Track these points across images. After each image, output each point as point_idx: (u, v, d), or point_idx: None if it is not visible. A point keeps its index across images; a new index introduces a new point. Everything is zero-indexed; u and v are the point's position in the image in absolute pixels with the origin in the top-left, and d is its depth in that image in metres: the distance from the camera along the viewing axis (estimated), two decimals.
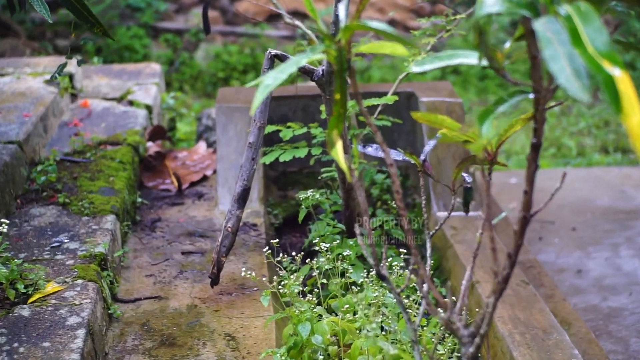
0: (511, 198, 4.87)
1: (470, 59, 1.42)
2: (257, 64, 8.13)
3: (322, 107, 3.01)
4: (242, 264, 3.04)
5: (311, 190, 3.19)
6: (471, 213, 3.53)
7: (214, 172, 3.96)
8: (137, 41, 7.99)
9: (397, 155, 2.15)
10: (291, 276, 2.54)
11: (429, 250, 2.07)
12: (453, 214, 3.54)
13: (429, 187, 3.60)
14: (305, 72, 2.75)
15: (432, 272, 3.26)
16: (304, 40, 3.50)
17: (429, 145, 2.07)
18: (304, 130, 3.22)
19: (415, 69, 1.57)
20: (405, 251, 3.17)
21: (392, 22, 8.77)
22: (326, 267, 2.69)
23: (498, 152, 1.71)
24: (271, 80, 1.55)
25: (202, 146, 4.27)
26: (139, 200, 3.55)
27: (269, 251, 2.58)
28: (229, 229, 2.75)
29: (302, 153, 3.16)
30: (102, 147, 3.71)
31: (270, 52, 2.70)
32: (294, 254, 3.13)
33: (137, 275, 2.95)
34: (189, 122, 5.99)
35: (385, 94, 3.85)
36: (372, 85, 4.10)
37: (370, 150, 2.24)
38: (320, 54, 1.60)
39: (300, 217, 3.02)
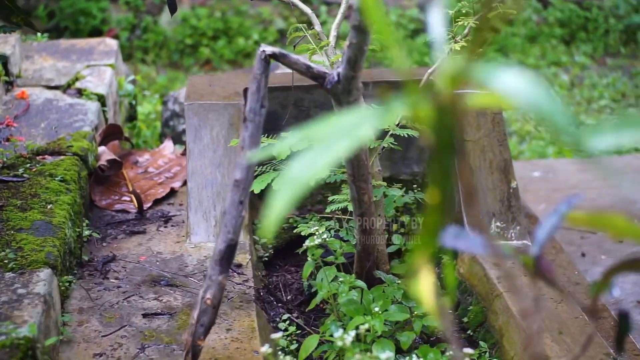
0: (538, 197, 4.12)
1: None
2: (228, 29, 7.27)
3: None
4: (225, 331, 2.25)
5: (314, 223, 2.40)
6: (515, 242, 2.76)
7: (184, 183, 3.15)
8: (94, 4, 7.07)
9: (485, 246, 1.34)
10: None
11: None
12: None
13: (460, 201, 2.81)
14: (313, 77, 1.95)
15: (473, 331, 2.49)
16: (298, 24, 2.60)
17: (547, 226, 1.26)
18: (305, 145, 2.42)
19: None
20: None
21: None
22: (340, 343, 1.91)
23: None
24: (303, 171, 0.79)
25: (168, 147, 3.45)
26: (87, 232, 2.73)
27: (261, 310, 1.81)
28: (208, 302, 1.95)
29: None
30: (41, 158, 2.88)
31: (264, 51, 1.88)
32: (292, 314, 2.37)
33: (81, 356, 2.14)
34: (152, 105, 5.15)
35: (395, 83, 3.06)
36: (384, 72, 3.31)
37: (463, 244, 1.39)
38: (392, 116, 0.82)
39: (305, 273, 2.22)
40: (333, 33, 2.53)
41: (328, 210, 2.40)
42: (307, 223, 2.70)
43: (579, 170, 4.38)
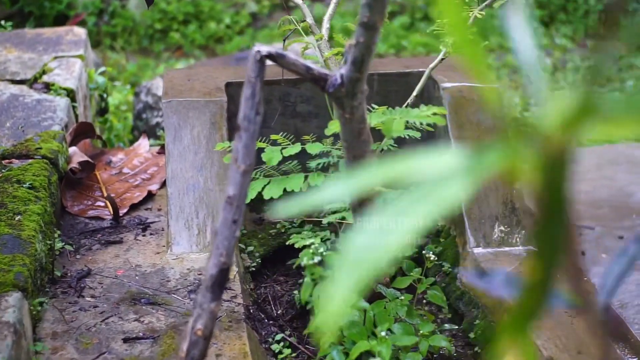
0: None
1: None
2: (199, 13, 7.03)
3: (333, 124, 1.99)
4: (214, 357, 2.05)
5: (307, 233, 2.21)
6: (521, 248, 2.57)
7: (162, 185, 2.94)
8: None
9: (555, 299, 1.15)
10: None
11: None
12: (498, 249, 2.59)
13: (461, 206, 2.62)
14: (313, 80, 1.74)
15: (481, 347, 2.30)
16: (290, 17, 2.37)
17: (614, 273, 1.06)
18: (297, 148, 2.22)
19: None
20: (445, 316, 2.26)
21: None
22: None
23: None
24: (371, 249, 0.58)
25: (143, 145, 3.22)
26: (60, 245, 2.51)
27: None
28: (199, 332, 1.74)
29: (295, 185, 2.18)
30: (7, 162, 2.66)
31: (259, 51, 1.67)
32: (285, 332, 2.18)
33: None
34: (123, 95, 4.91)
35: (397, 75, 2.87)
36: (388, 62, 3.09)
37: (497, 286, 1.20)
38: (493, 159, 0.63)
39: (304, 295, 2.01)
40: (326, 25, 2.32)
41: (325, 222, 2.20)
42: (298, 232, 2.50)
43: None
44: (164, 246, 2.56)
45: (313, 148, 2.21)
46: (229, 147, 2.29)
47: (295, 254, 2.25)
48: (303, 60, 1.72)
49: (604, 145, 4.61)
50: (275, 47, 1.70)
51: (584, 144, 4.75)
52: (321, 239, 2.20)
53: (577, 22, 7.02)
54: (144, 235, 2.64)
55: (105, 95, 3.89)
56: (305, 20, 2.28)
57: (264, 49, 1.67)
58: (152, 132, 4.13)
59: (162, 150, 3.15)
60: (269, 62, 1.71)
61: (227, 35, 6.99)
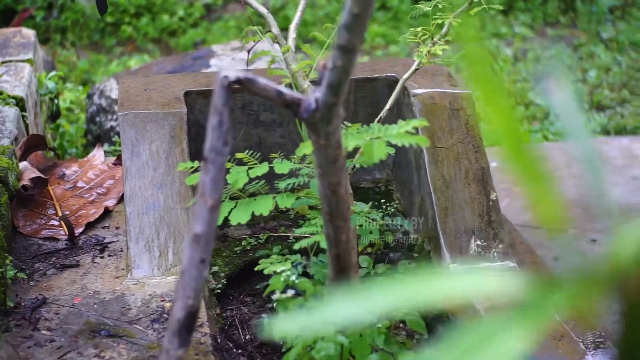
0: (498, 193, 3.85)
1: None
2: (151, 5, 6.84)
3: (304, 146, 1.86)
4: None
5: (279, 259, 2.09)
6: (498, 263, 2.47)
7: (120, 199, 2.79)
8: None
9: None
10: None
11: None
12: (475, 265, 2.48)
13: (434, 216, 2.51)
14: (285, 105, 1.61)
15: None
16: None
17: None
18: (265, 169, 2.09)
19: None
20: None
21: None
22: None
23: None
24: None
25: (98, 155, 3.06)
26: (12, 273, 2.35)
27: None
28: None
29: (265, 208, 2.04)
30: None
31: (226, 77, 1.53)
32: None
33: None
34: (76, 96, 4.73)
35: (364, 80, 2.76)
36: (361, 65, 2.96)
37: None
38: None
39: (278, 334, 1.88)
40: (292, 35, 2.19)
41: (296, 247, 2.06)
42: (265, 251, 2.38)
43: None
44: (123, 269, 2.42)
45: (282, 167, 2.07)
46: (192, 167, 2.15)
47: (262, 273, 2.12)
48: (274, 85, 1.58)
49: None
50: (241, 70, 1.57)
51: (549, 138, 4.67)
52: (292, 262, 2.08)
53: (535, 10, 6.94)
54: (101, 257, 2.49)
55: (56, 101, 3.71)
56: (270, 30, 2.14)
57: (232, 74, 1.53)
58: (107, 136, 3.96)
59: (118, 162, 2.99)
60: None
61: (181, 28, 6.82)
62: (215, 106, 1.54)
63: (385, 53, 6.38)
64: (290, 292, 1.86)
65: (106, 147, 3.77)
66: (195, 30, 6.72)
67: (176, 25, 6.79)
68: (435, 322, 2.30)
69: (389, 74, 2.83)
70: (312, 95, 1.60)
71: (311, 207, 2.19)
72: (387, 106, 2.19)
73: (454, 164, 2.55)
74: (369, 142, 1.88)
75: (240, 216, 2.01)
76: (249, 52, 2.15)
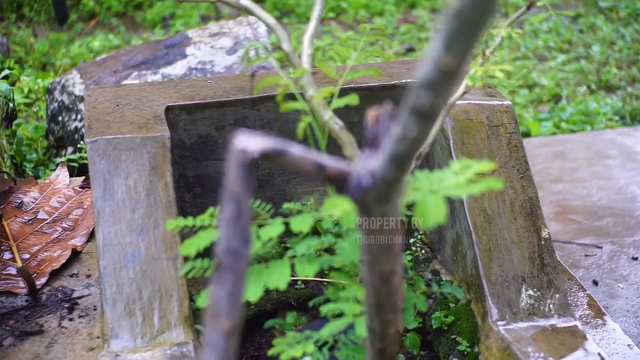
0: None
1: None
2: None
3: (331, 204, 1.39)
4: None
5: (298, 338, 1.65)
6: (557, 319, 2.03)
7: (90, 236, 2.32)
8: None
9: None
10: None
11: None
12: (529, 322, 2.04)
13: (476, 260, 2.07)
14: (328, 180, 1.15)
15: None
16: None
17: None
18: (280, 229, 1.62)
19: None
20: None
21: None
22: None
23: None
24: None
25: (62, 177, 2.58)
26: None
27: None
28: None
29: (281, 280, 1.58)
30: None
31: (246, 152, 1.05)
32: None
33: None
34: (35, 82, 4.22)
35: (380, 89, 2.32)
36: (362, 68, 2.47)
37: None
38: None
39: None
40: (307, 51, 1.72)
41: (324, 333, 1.60)
42: (278, 323, 1.93)
43: (556, 156, 3.68)
44: (98, 337, 1.96)
45: (301, 224, 1.61)
46: (185, 227, 1.68)
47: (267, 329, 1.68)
48: (312, 156, 1.12)
49: (588, 132, 4.08)
50: (268, 139, 1.10)
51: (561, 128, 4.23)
52: (315, 343, 1.64)
53: None
54: (71, 320, 2.03)
55: (12, 105, 3.21)
56: (280, 47, 1.67)
57: (254, 146, 1.07)
58: (71, 138, 3.47)
59: (86, 184, 2.52)
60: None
61: (148, 1, 6.29)
62: (230, 192, 1.08)
63: (372, 27, 5.90)
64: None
65: (70, 154, 3.28)
66: (162, 4, 6.19)
67: None
68: None
69: (409, 80, 2.37)
70: (365, 167, 1.15)
71: (336, 269, 1.73)
72: (430, 139, 1.74)
73: (497, 195, 2.10)
74: (422, 199, 1.40)
75: (252, 292, 1.56)
76: (252, 75, 1.68)
